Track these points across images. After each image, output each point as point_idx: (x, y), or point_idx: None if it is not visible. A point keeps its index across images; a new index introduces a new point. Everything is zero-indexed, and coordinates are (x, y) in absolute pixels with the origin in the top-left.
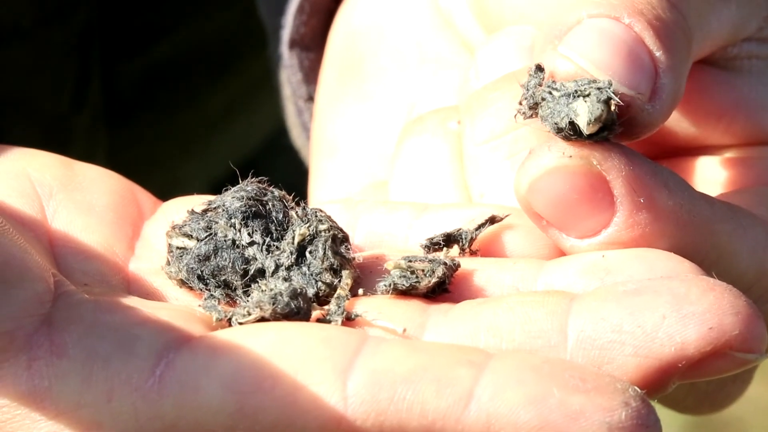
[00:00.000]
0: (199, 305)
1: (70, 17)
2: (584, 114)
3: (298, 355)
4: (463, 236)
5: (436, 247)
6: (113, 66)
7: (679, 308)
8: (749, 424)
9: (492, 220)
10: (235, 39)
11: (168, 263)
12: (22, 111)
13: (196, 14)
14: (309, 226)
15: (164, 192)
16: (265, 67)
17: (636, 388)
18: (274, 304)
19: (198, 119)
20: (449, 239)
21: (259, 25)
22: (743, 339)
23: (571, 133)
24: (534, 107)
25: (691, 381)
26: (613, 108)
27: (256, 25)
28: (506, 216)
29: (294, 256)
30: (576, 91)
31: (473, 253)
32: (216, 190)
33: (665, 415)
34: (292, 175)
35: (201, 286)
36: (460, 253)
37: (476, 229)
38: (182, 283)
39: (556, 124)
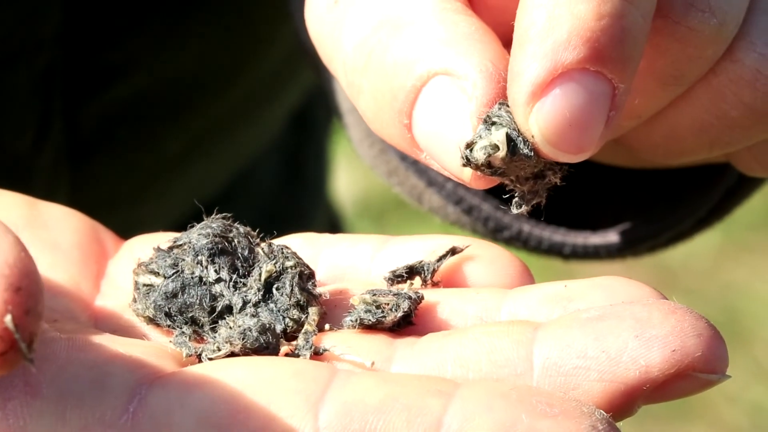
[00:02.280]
0: (170, 341)
1: (33, 59)
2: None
3: (270, 388)
4: (425, 268)
5: (399, 279)
6: (75, 105)
7: (642, 332)
8: None
9: (453, 251)
10: (195, 80)
11: (135, 300)
12: None
13: (157, 55)
14: (276, 263)
15: (125, 231)
16: (226, 109)
17: (602, 411)
18: (243, 339)
19: (158, 159)
20: (411, 271)
21: (219, 66)
22: (706, 360)
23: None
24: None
25: (655, 403)
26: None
27: (215, 67)
28: (467, 246)
29: (261, 292)
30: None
31: (435, 285)
32: (177, 230)
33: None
34: (253, 219)
35: (169, 323)
36: (422, 285)
37: (438, 261)
38: (149, 320)
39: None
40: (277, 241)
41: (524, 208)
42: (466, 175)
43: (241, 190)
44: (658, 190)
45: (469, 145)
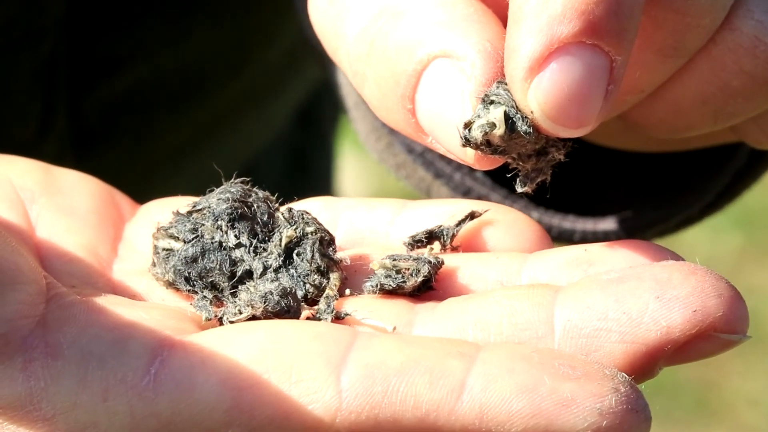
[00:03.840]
0: (192, 304)
1: (37, 45)
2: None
3: (292, 351)
4: (445, 233)
5: (419, 244)
6: (79, 94)
7: (662, 293)
8: None
9: (472, 216)
10: (200, 70)
11: (154, 264)
12: None
13: (161, 45)
14: (296, 229)
15: None
16: (230, 101)
17: (624, 374)
18: (265, 302)
19: (162, 150)
20: (431, 236)
21: (223, 57)
22: (727, 320)
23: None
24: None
25: (676, 365)
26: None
27: (220, 57)
28: (486, 211)
29: (281, 258)
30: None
31: (455, 249)
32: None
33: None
34: None
35: (188, 287)
36: (441, 250)
37: (457, 225)
38: (169, 284)
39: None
40: (297, 206)
41: (528, 187)
42: (469, 156)
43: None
44: (667, 174)
45: (467, 125)
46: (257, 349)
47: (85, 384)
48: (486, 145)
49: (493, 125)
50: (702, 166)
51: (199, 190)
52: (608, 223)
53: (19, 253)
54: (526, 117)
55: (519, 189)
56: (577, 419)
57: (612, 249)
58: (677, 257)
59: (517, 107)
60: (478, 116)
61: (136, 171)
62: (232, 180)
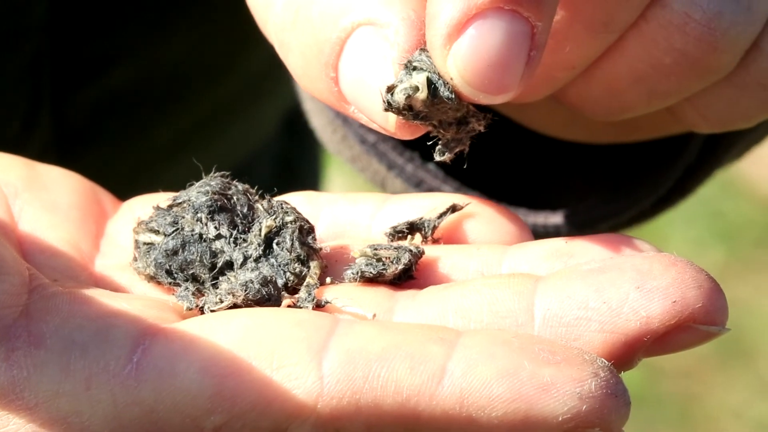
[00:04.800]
0: (175, 295)
1: (21, 45)
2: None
3: (273, 338)
4: (426, 225)
5: (400, 235)
6: (64, 94)
7: (643, 283)
8: None
9: (453, 209)
10: (185, 72)
11: (135, 259)
12: None
13: (146, 46)
14: (275, 218)
15: None
16: (216, 103)
17: (603, 359)
18: (246, 290)
19: (147, 152)
20: (412, 227)
21: (209, 58)
22: (706, 312)
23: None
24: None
25: (655, 356)
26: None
27: (205, 59)
28: (467, 204)
29: (261, 247)
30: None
31: (436, 241)
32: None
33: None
34: None
35: (170, 280)
36: (423, 241)
37: (438, 218)
38: (150, 278)
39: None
40: (277, 199)
41: (447, 156)
42: (391, 123)
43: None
44: (618, 168)
45: (390, 89)
46: (238, 336)
47: (68, 373)
48: (408, 110)
49: (416, 89)
50: (653, 160)
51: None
52: (559, 217)
53: (2, 244)
54: (447, 83)
55: (437, 158)
56: (557, 403)
57: (592, 241)
58: (657, 249)
59: (439, 73)
60: (401, 81)
61: (120, 172)
62: (211, 174)
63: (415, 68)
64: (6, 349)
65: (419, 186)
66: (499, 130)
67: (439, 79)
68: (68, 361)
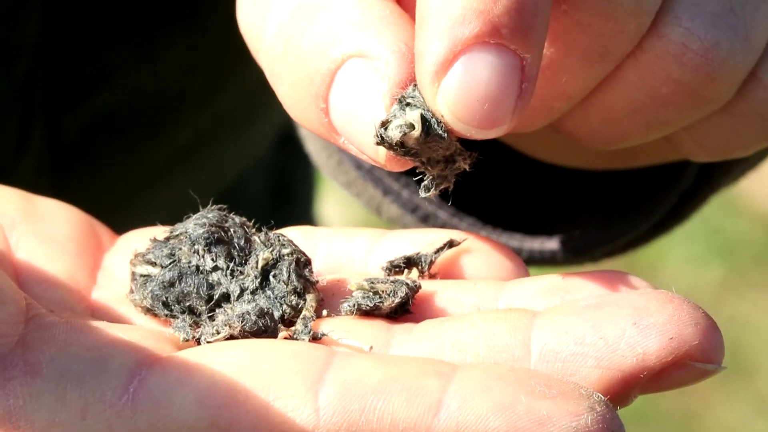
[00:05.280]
0: (172, 327)
1: (12, 66)
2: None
3: (269, 369)
4: (423, 259)
5: (397, 269)
6: (56, 114)
7: (639, 320)
8: None
9: (450, 244)
10: (179, 90)
11: (132, 291)
12: None
13: (138, 65)
14: (272, 251)
15: None
16: (209, 122)
17: (599, 394)
18: (242, 322)
19: (141, 172)
20: (409, 262)
21: (201, 78)
22: (702, 349)
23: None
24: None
25: (651, 393)
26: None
27: (198, 78)
28: (464, 240)
29: (258, 280)
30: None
31: (432, 276)
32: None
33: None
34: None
35: (166, 312)
36: (419, 276)
37: (435, 253)
38: (147, 310)
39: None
40: (274, 232)
41: (432, 192)
42: (381, 155)
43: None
44: (614, 194)
45: (384, 124)
46: (235, 368)
47: (64, 402)
48: (400, 147)
49: (411, 126)
50: (649, 186)
51: (178, 212)
52: (555, 243)
53: None
54: (440, 121)
55: (422, 194)
56: None
57: (589, 278)
58: (654, 287)
59: (431, 111)
60: (395, 116)
61: (114, 192)
62: (209, 206)
63: (408, 104)
64: (2, 378)
65: (415, 212)
66: (494, 155)
67: (432, 117)
68: (64, 390)
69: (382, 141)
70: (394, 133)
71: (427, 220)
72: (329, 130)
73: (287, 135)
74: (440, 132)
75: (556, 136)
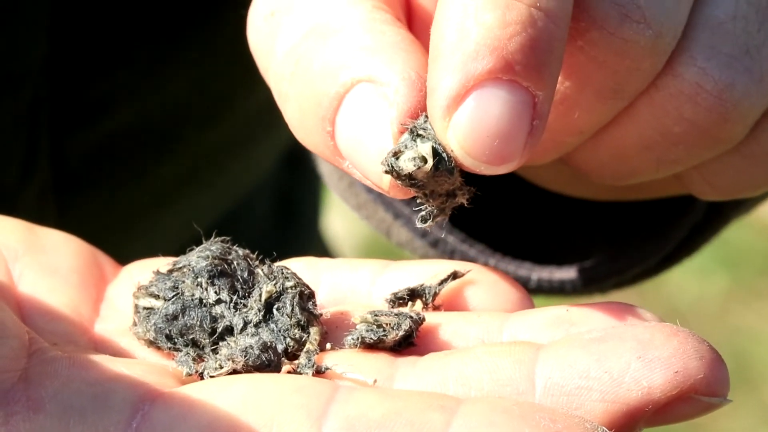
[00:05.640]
0: (175, 360)
1: (19, 90)
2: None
3: (273, 404)
4: (427, 291)
5: (401, 301)
6: (62, 138)
7: (644, 353)
8: None
9: (455, 275)
10: (184, 113)
11: (135, 324)
12: None
13: (144, 88)
14: (276, 284)
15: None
16: (215, 144)
17: (604, 428)
18: (245, 356)
19: (147, 194)
20: (413, 294)
21: (207, 99)
22: (708, 383)
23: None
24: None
25: (656, 426)
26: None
27: (204, 100)
28: (468, 271)
29: (261, 313)
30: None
31: (436, 308)
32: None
33: None
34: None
35: (169, 345)
36: (423, 308)
37: (439, 284)
38: (150, 343)
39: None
40: (277, 264)
41: (429, 223)
42: (385, 183)
43: (232, 228)
44: (624, 225)
45: (396, 154)
46: (238, 403)
47: None
48: (408, 178)
49: (423, 159)
50: (660, 218)
51: (184, 233)
52: (565, 272)
53: (1, 308)
54: (450, 155)
55: (418, 224)
56: None
57: (593, 309)
58: (660, 319)
59: (442, 144)
60: (406, 147)
61: (119, 214)
62: (212, 238)
63: (419, 135)
64: (5, 413)
65: (425, 237)
66: (505, 183)
67: (443, 151)
68: (67, 426)
69: (391, 170)
70: (406, 165)
71: (436, 246)
72: (334, 153)
73: (292, 153)
74: (449, 167)
75: (564, 167)
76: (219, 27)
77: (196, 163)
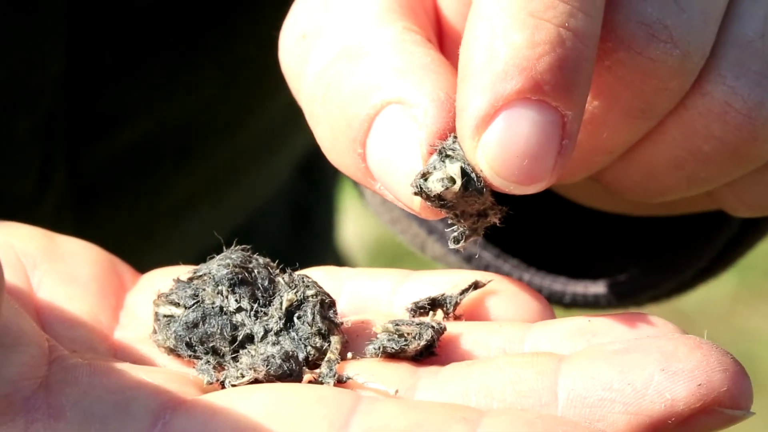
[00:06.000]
0: (195, 368)
1: (36, 103)
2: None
3: (294, 414)
4: (448, 301)
5: (422, 311)
6: (79, 151)
7: (668, 366)
8: None
9: (476, 285)
10: (200, 125)
11: (155, 331)
12: None
13: (160, 101)
14: (297, 292)
15: None
16: (231, 155)
17: None
18: (267, 366)
19: (163, 206)
20: (434, 303)
21: (223, 111)
22: (731, 395)
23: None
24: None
25: None
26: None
27: (220, 112)
28: (489, 281)
29: (282, 321)
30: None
31: (457, 318)
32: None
33: None
34: None
35: (189, 353)
36: (444, 318)
37: (460, 294)
38: (170, 350)
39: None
40: (298, 273)
41: (461, 245)
42: (416, 204)
43: (247, 238)
44: (659, 240)
45: (425, 175)
46: (260, 412)
47: None
48: (438, 199)
49: (452, 180)
50: (695, 232)
51: (200, 244)
52: (599, 287)
53: (21, 315)
54: (479, 176)
55: (451, 245)
56: None
57: (615, 320)
58: (682, 331)
59: (471, 165)
60: (434, 168)
61: (136, 225)
62: (232, 247)
63: (448, 156)
64: (25, 420)
65: (458, 252)
66: (538, 198)
67: (472, 172)
68: None
69: (420, 191)
70: (434, 186)
71: (470, 261)
72: (366, 175)
73: (308, 164)
74: (479, 187)
75: (596, 183)
76: (234, 40)
77: (212, 176)
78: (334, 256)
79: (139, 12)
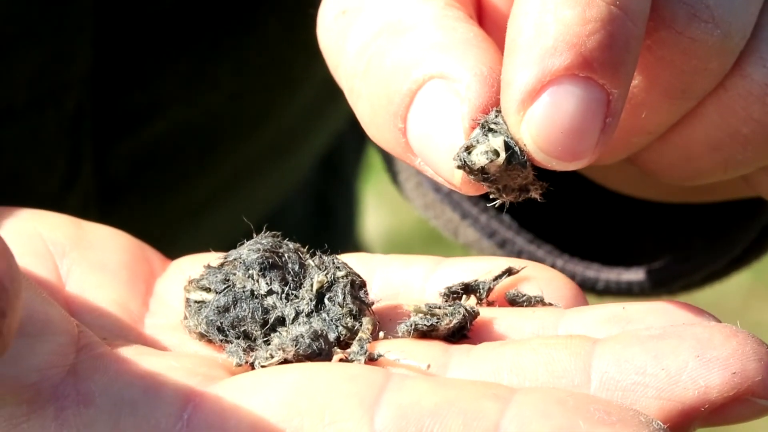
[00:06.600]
0: (225, 351)
1: (63, 99)
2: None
3: (325, 392)
4: (481, 287)
5: (455, 295)
6: (105, 147)
7: (702, 353)
8: None
9: (509, 272)
10: (225, 121)
11: (186, 317)
12: (12, 190)
13: (186, 97)
14: (327, 273)
15: None
16: (256, 151)
17: (659, 422)
18: (296, 345)
19: (188, 202)
20: (467, 289)
21: (248, 107)
22: (765, 385)
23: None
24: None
25: (711, 426)
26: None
27: (245, 108)
28: (523, 268)
29: (313, 303)
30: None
31: (490, 304)
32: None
33: None
34: None
35: (221, 338)
36: (477, 303)
37: (494, 280)
38: (201, 336)
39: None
40: (327, 256)
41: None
42: (457, 179)
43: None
44: (694, 227)
45: (468, 149)
46: (289, 392)
47: (118, 431)
48: (480, 172)
49: (496, 153)
50: (728, 220)
51: (224, 240)
52: (632, 274)
53: (49, 303)
54: (522, 150)
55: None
56: None
57: (650, 308)
58: (717, 320)
59: (514, 138)
60: (478, 141)
61: (161, 222)
62: (262, 233)
63: (491, 129)
64: (55, 408)
65: (492, 237)
66: (573, 184)
67: (515, 145)
68: (118, 419)
69: (463, 165)
70: (478, 159)
71: (504, 246)
72: (406, 150)
73: (329, 157)
74: (522, 160)
75: (632, 168)
76: (259, 37)
77: (236, 171)
78: (354, 250)
79: (165, 7)
